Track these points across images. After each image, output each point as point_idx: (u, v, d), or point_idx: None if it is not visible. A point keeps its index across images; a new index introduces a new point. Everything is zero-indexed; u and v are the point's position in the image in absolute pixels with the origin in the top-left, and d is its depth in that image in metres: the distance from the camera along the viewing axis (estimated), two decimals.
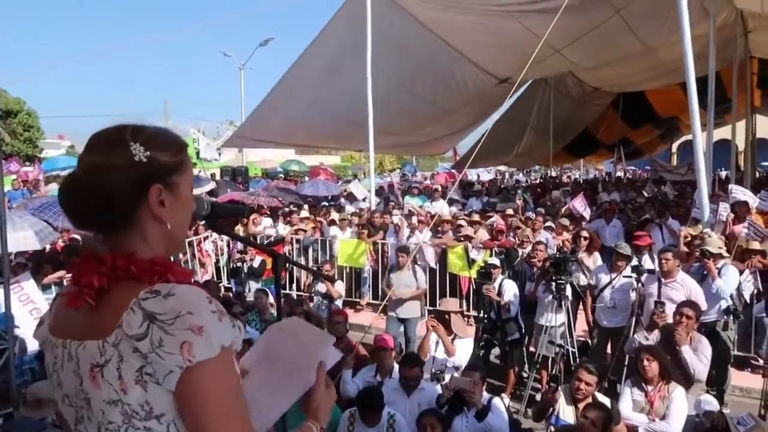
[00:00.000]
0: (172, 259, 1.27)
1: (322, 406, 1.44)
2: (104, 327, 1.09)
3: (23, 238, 7.52)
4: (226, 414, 1.09)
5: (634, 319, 5.91)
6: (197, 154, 20.55)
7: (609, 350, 6.49)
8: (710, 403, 4.42)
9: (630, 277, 6.17)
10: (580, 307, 7.19)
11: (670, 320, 5.27)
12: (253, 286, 8.97)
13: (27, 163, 23.62)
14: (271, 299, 7.12)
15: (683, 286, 5.85)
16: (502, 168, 31.07)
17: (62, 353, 1.17)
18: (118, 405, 1.08)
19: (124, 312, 1.07)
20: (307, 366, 1.43)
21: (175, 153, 1.22)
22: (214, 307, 1.11)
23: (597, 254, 7.59)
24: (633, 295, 6.14)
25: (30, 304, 6.01)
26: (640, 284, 6.02)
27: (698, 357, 4.90)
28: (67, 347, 1.16)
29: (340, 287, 8.54)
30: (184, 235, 1.31)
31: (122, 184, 1.14)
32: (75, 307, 1.14)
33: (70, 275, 1.29)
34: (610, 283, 6.41)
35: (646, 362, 4.47)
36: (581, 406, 4.29)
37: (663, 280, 5.91)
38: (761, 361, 6.45)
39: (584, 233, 7.92)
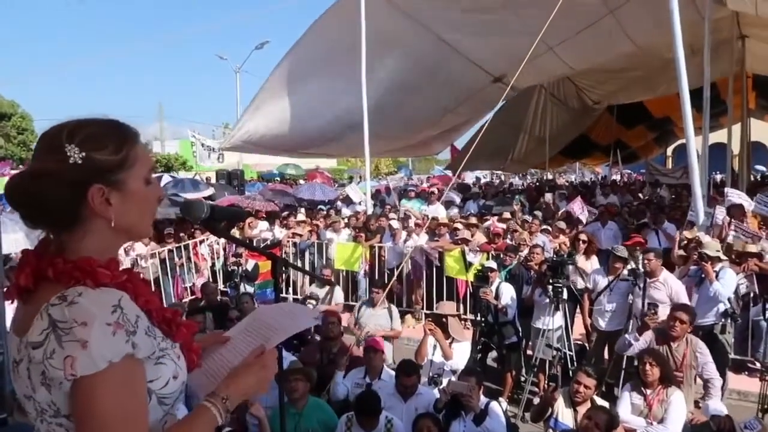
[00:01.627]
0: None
1: (240, 378, 1.32)
2: (25, 326, 1.12)
3: (14, 240, 7.51)
4: (108, 425, 1.07)
5: (631, 322, 5.91)
6: (195, 157, 20.51)
7: (606, 354, 6.49)
8: (717, 407, 4.42)
9: (628, 279, 6.18)
10: (577, 310, 7.18)
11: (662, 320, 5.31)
12: (248, 290, 8.94)
13: (21, 167, 23.49)
14: (256, 304, 7.10)
15: (665, 286, 5.92)
16: (498, 171, 31.08)
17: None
18: (31, 400, 1.13)
19: (36, 315, 1.09)
20: (271, 335, 1.43)
21: (116, 149, 1.19)
22: (114, 318, 1.09)
23: (594, 257, 7.60)
24: (630, 298, 6.16)
25: None
26: (636, 287, 6.03)
27: (707, 369, 4.92)
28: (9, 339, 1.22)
29: (339, 295, 8.36)
30: (143, 225, 1.28)
31: (58, 188, 1.13)
32: (10, 301, 1.21)
33: None
34: (608, 286, 6.41)
35: (648, 367, 4.45)
36: (580, 409, 4.29)
37: (647, 280, 5.96)
38: (758, 365, 6.45)
39: (583, 236, 7.92)
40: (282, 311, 1.55)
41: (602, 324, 6.42)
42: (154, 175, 1.32)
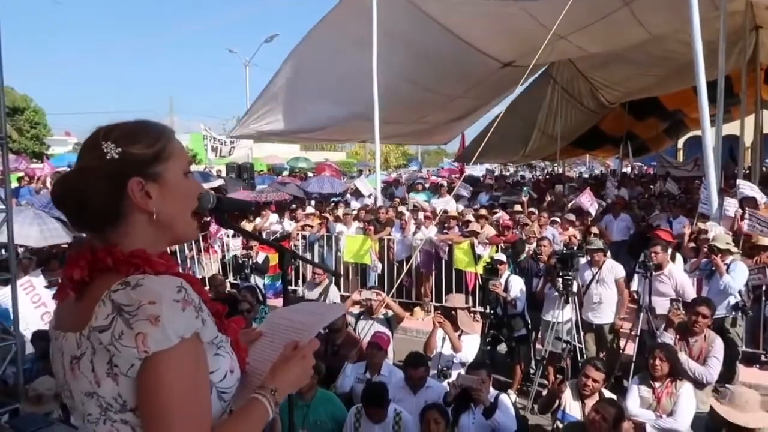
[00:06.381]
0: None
1: (284, 370, 1.29)
2: (83, 319, 1.11)
3: (26, 235, 7.56)
4: (178, 406, 1.07)
5: (641, 315, 5.88)
6: (206, 151, 20.61)
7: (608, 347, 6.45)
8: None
9: (639, 272, 6.15)
10: None
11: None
12: (259, 282, 8.95)
13: (35, 160, 23.69)
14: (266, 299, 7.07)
15: (670, 279, 5.93)
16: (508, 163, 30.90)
17: (55, 345, 1.20)
18: (94, 397, 1.10)
19: (96, 305, 1.09)
20: (301, 333, 1.41)
21: (152, 143, 1.22)
22: (181, 296, 1.10)
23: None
24: (639, 292, 6.13)
25: (42, 307, 5.96)
26: (647, 280, 5.99)
27: (709, 362, 4.86)
28: (58, 339, 1.19)
29: (333, 294, 7.61)
30: (184, 221, 1.29)
31: (97, 184, 1.15)
32: (61, 299, 1.19)
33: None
34: (593, 278, 6.37)
35: (657, 362, 4.41)
36: (588, 402, 4.28)
37: (653, 273, 5.93)
38: None
39: (594, 229, 7.87)
40: (303, 310, 1.53)
41: (591, 317, 6.40)
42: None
